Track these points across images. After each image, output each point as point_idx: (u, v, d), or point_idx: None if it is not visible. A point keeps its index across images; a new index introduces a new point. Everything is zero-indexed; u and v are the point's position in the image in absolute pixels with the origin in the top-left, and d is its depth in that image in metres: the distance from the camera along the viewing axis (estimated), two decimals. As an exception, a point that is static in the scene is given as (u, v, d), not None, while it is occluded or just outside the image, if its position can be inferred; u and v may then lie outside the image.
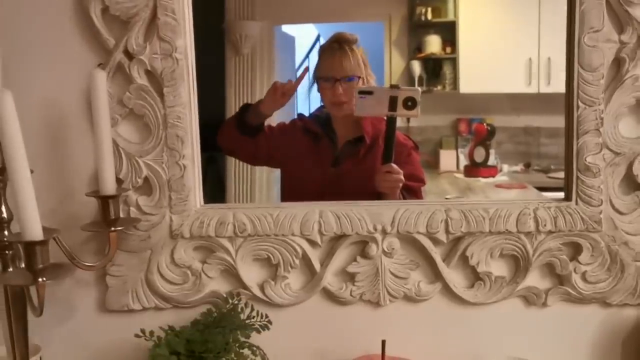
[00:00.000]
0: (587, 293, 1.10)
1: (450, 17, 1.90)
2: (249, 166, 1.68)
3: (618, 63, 1.04)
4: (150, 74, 1.08)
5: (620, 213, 1.07)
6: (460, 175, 1.79)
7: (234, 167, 1.68)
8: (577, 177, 1.06)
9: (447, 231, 1.09)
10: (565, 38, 1.06)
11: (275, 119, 1.48)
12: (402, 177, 1.26)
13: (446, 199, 1.50)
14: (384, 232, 1.10)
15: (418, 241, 1.10)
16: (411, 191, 1.30)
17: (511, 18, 1.86)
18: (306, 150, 1.42)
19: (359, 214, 1.10)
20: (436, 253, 1.11)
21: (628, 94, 1.04)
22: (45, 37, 1.10)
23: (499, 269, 1.11)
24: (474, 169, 1.75)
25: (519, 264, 1.10)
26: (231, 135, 1.42)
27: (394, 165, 1.26)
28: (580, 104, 1.04)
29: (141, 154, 1.10)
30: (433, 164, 1.85)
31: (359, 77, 1.40)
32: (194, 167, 1.11)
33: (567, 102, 1.07)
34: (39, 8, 1.09)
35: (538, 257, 1.09)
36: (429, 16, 1.90)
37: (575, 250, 1.09)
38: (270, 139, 1.44)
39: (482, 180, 1.73)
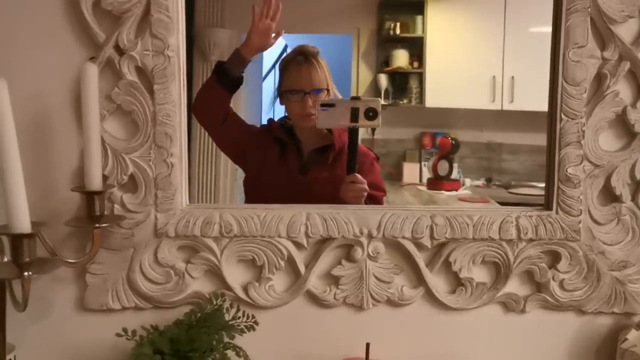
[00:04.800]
0: (564, 300, 1.13)
1: (419, 32, 1.94)
2: (212, 172, 1.66)
3: (600, 78, 1.08)
4: (140, 70, 1.07)
5: (598, 223, 1.10)
6: (424, 188, 1.82)
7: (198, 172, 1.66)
8: (558, 187, 1.09)
9: (431, 237, 1.11)
10: (551, 52, 1.09)
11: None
12: (366, 186, 1.28)
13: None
14: (370, 236, 1.11)
15: (403, 246, 1.12)
16: (374, 200, 1.32)
17: (477, 37, 1.92)
18: (274, 158, 1.43)
19: (346, 217, 1.11)
20: (420, 258, 1.13)
21: (608, 108, 1.08)
22: (34, 29, 1.08)
23: (480, 275, 1.14)
24: (437, 182, 1.78)
25: (500, 271, 1.13)
26: (209, 93, 1.39)
27: (358, 176, 1.28)
28: (563, 116, 1.08)
29: (128, 151, 1.08)
30: (396, 176, 1.87)
31: (327, 89, 1.41)
32: (182, 166, 1.10)
33: (550, 114, 1.10)
34: (28, -1, 1.07)
35: (518, 265, 1.11)
36: (398, 31, 1.94)
37: (554, 258, 1.12)
38: (238, 121, 1.44)
39: (445, 193, 1.76)
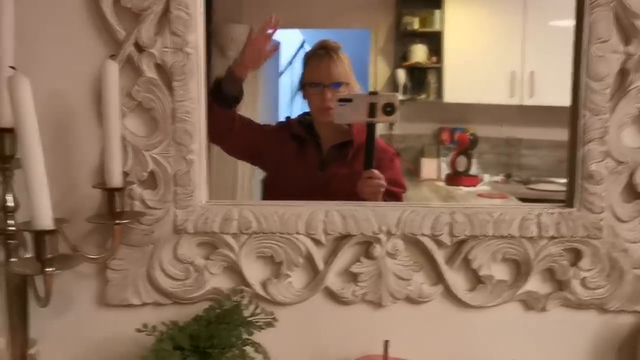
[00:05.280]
0: (585, 299, 1.11)
1: (437, 27, 1.92)
2: (231, 168, 1.66)
3: (623, 74, 1.06)
4: (160, 67, 1.07)
5: (621, 221, 1.08)
6: (442, 184, 1.81)
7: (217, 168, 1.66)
8: (580, 185, 1.08)
9: (451, 234, 1.10)
10: (573, 47, 1.08)
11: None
12: (383, 182, 1.27)
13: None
14: (389, 233, 1.11)
15: (422, 243, 1.11)
16: (394, 196, 1.31)
17: (497, 31, 1.90)
18: (293, 154, 1.43)
19: (365, 215, 1.10)
20: (439, 255, 1.12)
21: (632, 104, 1.06)
22: (55, 28, 1.09)
23: (500, 272, 1.13)
24: (455, 177, 1.77)
25: (520, 269, 1.12)
26: (208, 112, 1.38)
27: (376, 171, 1.27)
28: (585, 112, 1.06)
29: (148, 148, 1.09)
30: (414, 172, 1.86)
31: (347, 83, 1.41)
32: (201, 163, 1.10)
33: (573, 110, 1.09)
34: (49, -2, 1.08)
35: (539, 262, 1.10)
36: (416, 26, 1.92)
37: (576, 256, 1.11)
38: (247, 125, 1.43)
39: (464, 189, 1.75)
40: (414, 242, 1.12)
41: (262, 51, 1.39)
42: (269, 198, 1.43)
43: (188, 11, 1.05)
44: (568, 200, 1.10)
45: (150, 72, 1.07)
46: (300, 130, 1.43)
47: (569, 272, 1.10)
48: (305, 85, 1.44)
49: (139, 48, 1.06)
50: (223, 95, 1.37)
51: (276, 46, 1.40)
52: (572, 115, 1.09)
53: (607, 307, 1.12)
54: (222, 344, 0.98)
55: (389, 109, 1.24)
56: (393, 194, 1.32)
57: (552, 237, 1.09)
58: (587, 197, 1.08)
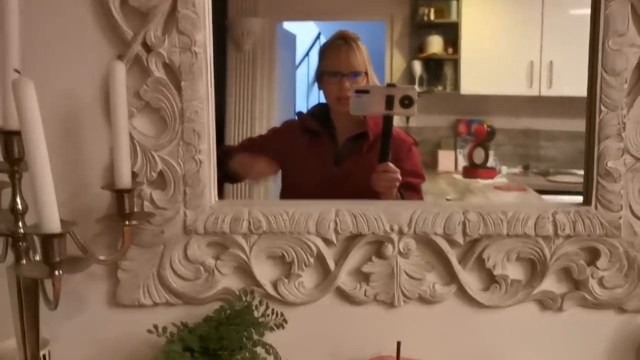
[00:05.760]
0: (603, 298, 1.09)
1: (453, 18, 1.90)
2: None
3: (641, 68, 1.03)
4: (168, 67, 1.06)
5: (640, 219, 1.06)
6: (459, 176, 1.79)
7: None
8: (598, 182, 1.05)
9: (464, 233, 1.08)
10: (589, 40, 1.05)
11: (278, 124, 1.47)
12: (398, 176, 1.25)
13: (447, 199, 1.50)
14: (401, 233, 1.09)
15: (434, 242, 1.10)
16: (411, 187, 1.30)
17: (514, 20, 1.86)
18: (306, 150, 1.41)
19: (376, 214, 1.09)
20: (452, 255, 1.10)
21: (650, 99, 1.03)
22: (62, 28, 1.08)
23: (515, 272, 1.11)
24: (472, 170, 1.75)
25: (536, 268, 1.10)
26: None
27: (391, 165, 1.25)
28: (602, 108, 1.03)
29: (156, 148, 1.08)
30: (431, 164, 1.85)
31: (365, 73, 1.39)
32: (210, 162, 1.09)
33: (589, 106, 1.06)
34: (56, -2, 1.08)
35: (555, 262, 1.08)
36: (432, 17, 1.91)
37: (593, 255, 1.08)
38: (264, 145, 1.44)
39: (481, 181, 1.73)
40: (426, 242, 1.10)
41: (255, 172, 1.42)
42: (285, 196, 1.43)
43: (195, 10, 1.04)
44: (585, 198, 1.08)
45: (158, 72, 1.06)
46: (314, 124, 1.42)
47: (586, 272, 1.08)
48: (323, 75, 1.43)
49: (147, 48, 1.06)
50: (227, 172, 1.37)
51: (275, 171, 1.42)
52: (588, 111, 1.06)
53: (625, 307, 1.10)
54: (231, 346, 0.97)
55: (407, 102, 1.22)
56: (411, 186, 1.30)
57: (569, 236, 1.07)
58: (604, 195, 1.05)
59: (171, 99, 1.07)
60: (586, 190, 1.08)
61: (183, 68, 1.05)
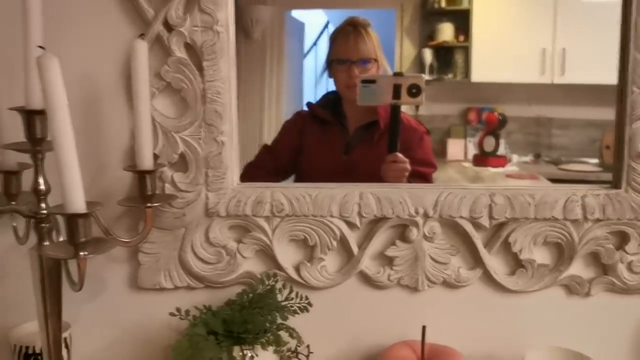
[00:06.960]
0: (632, 283, 1.07)
1: (465, 5, 1.87)
2: None
3: (675, 47, 1.01)
4: (189, 47, 1.05)
5: (671, 202, 1.04)
6: (469, 165, 1.77)
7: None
8: (629, 165, 1.03)
9: (490, 216, 1.06)
10: (620, 21, 1.02)
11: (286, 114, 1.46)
12: (407, 166, 1.23)
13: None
14: (426, 216, 1.07)
15: (460, 226, 1.08)
16: (422, 177, 1.28)
17: (526, 7, 1.83)
18: (317, 139, 1.40)
19: (401, 197, 1.07)
20: (478, 239, 1.08)
21: (683, 79, 1.01)
22: (84, 8, 1.07)
23: (542, 256, 1.09)
24: (483, 158, 1.73)
25: (563, 252, 1.08)
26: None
27: (400, 155, 1.23)
28: (634, 89, 1.01)
29: (178, 129, 1.07)
30: (440, 153, 1.82)
31: (375, 60, 1.37)
32: (232, 144, 1.08)
33: (620, 87, 1.03)
34: (76, -23, 1.06)
35: (584, 246, 1.06)
36: (443, 4, 1.88)
37: (622, 239, 1.06)
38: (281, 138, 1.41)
39: (491, 169, 1.71)
40: (451, 225, 1.08)
41: None
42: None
43: (218, -12, 1.02)
44: (615, 181, 1.06)
45: (179, 52, 1.05)
46: (324, 113, 1.40)
47: (615, 256, 1.06)
48: (333, 62, 1.41)
49: (168, 27, 1.04)
50: None
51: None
52: (618, 93, 1.04)
53: (655, 292, 1.08)
54: (255, 329, 0.96)
55: (414, 91, 1.19)
56: (421, 175, 1.28)
57: (598, 220, 1.05)
58: (635, 178, 1.03)
59: (192, 79, 1.05)
60: (616, 173, 1.05)
61: (205, 48, 1.04)
